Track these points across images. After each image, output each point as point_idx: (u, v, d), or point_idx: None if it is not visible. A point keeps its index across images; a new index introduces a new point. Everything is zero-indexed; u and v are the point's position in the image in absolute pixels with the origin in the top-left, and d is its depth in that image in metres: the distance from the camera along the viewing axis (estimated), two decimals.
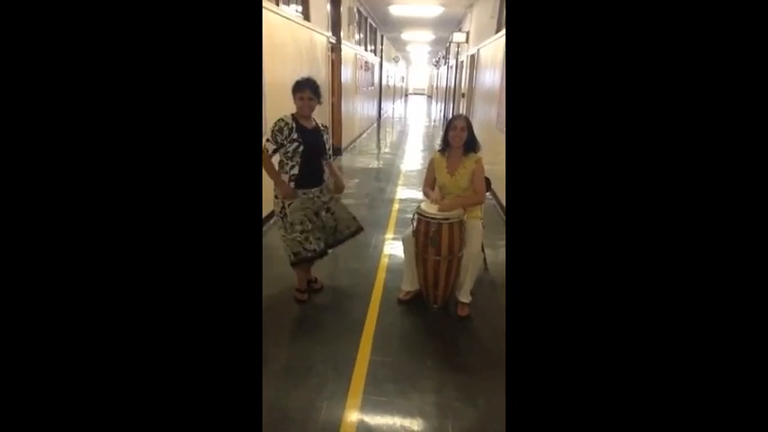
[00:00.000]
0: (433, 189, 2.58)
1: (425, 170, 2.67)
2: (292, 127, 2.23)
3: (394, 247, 3.35)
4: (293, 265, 2.42)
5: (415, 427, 1.68)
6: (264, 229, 3.71)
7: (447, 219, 2.31)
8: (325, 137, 2.37)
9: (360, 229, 2.60)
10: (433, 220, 2.32)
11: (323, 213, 2.44)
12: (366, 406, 1.78)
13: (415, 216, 2.41)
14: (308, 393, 1.83)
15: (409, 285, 2.61)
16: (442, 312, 2.50)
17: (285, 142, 2.24)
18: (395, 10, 8.56)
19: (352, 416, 1.73)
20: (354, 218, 2.59)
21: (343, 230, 2.55)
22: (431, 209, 2.38)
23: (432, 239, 2.33)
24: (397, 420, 1.71)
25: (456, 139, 2.40)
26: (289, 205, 2.31)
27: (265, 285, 2.70)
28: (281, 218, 2.35)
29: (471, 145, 2.44)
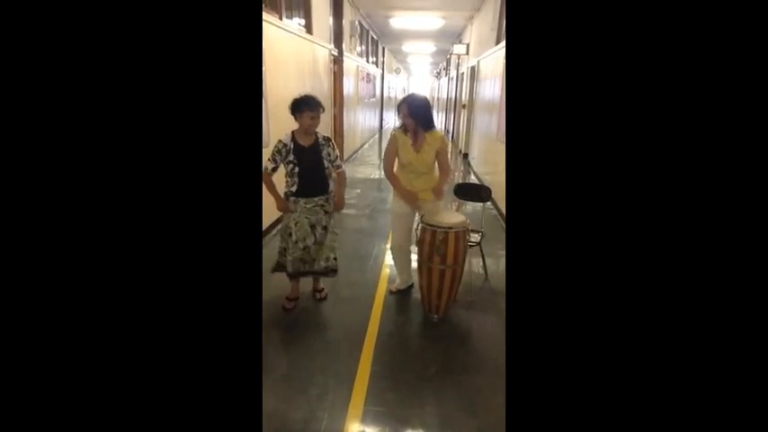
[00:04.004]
0: (392, 167, 2.56)
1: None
2: (290, 148, 2.32)
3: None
4: (272, 271, 2.55)
5: None
6: (266, 240, 3.72)
7: (452, 227, 2.32)
8: (326, 150, 2.39)
9: (334, 270, 2.58)
10: (439, 229, 2.33)
11: (319, 229, 2.44)
12: (367, 417, 1.77)
13: (420, 225, 2.42)
14: (309, 404, 1.82)
15: (403, 284, 2.83)
16: (443, 323, 2.49)
17: (284, 162, 2.35)
18: (395, 22, 8.67)
19: (353, 427, 1.71)
20: (335, 258, 2.57)
21: (328, 257, 2.53)
22: (436, 218, 2.39)
23: (437, 248, 2.33)
24: (398, 430, 1.70)
25: (405, 124, 2.45)
26: (292, 219, 2.41)
27: (266, 296, 2.71)
28: (281, 233, 2.48)
29: (430, 123, 2.47)
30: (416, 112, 2.39)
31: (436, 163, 2.52)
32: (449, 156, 2.53)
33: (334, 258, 2.55)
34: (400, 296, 2.79)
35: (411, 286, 2.85)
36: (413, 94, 2.51)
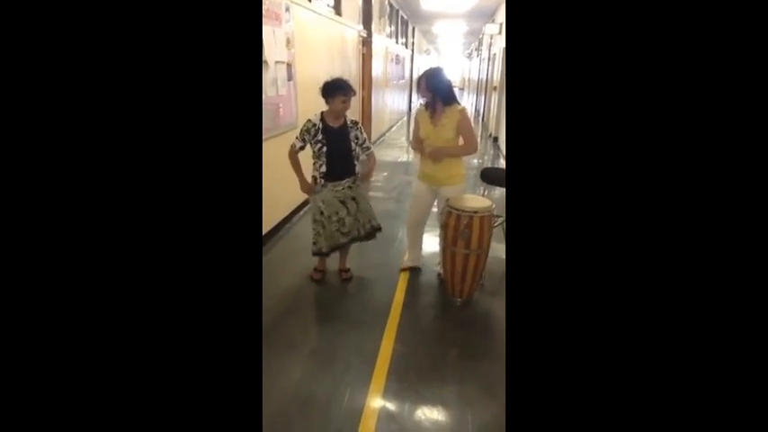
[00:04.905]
0: (420, 143, 2.55)
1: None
2: (319, 128, 2.37)
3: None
4: (314, 254, 2.63)
5: (436, 416, 1.72)
6: (295, 219, 3.82)
7: (476, 212, 2.32)
8: (353, 133, 2.44)
9: (377, 229, 2.69)
10: (464, 214, 2.33)
11: (348, 201, 2.52)
12: (388, 393, 1.83)
13: (445, 209, 2.43)
14: (333, 378, 1.90)
15: (411, 262, 2.87)
16: (466, 306, 2.52)
17: (312, 142, 2.39)
18: (426, 3, 8.47)
19: (375, 401, 1.78)
20: (374, 216, 2.67)
21: (365, 224, 2.62)
22: (461, 202, 2.39)
23: (462, 232, 2.34)
24: (418, 408, 1.76)
25: (422, 97, 2.45)
26: (318, 199, 2.48)
27: (293, 275, 2.80)
28: (313, 215, 2.55)
29: (450, 97, 2.41)
30: (434, 85, 2.38)
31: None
32: (472, 128, 2.44)
33: (374, 215, 2.66)
34: (423, 278, 2.83)
35: (419, 269, 2.89)
36: (431, 68, 2.50)
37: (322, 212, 2.48)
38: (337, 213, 2.49)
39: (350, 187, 2.49)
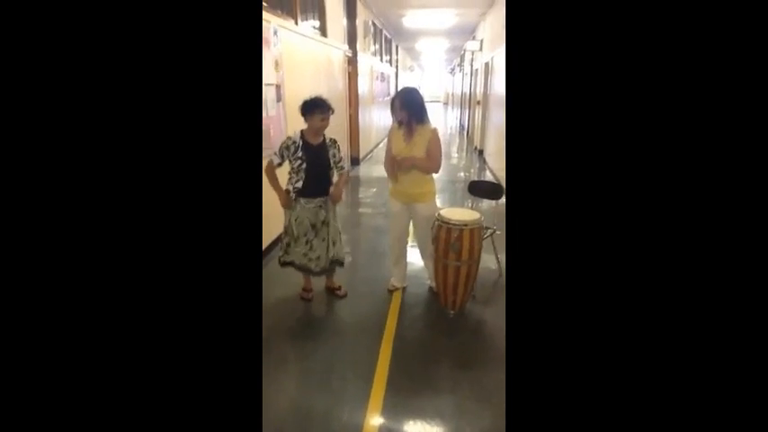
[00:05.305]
0: (395, 162, 2.58)
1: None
2: (299, 145, 2.40)
3: (410, 255, 3.41)
4: (281, 265, 2.63)
5: (434, 428, 1.74)
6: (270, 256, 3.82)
7: (466, 224, 2.39)
8: (332, 151, 2.48)
9: (337, 262, 2.63)
10: (454, 227, 2.39)
11: (318, 225, 2.51)
12: (386, 407, 1.84)
13: (436, 223, 2.49)
14: (332, 395, 1.91)
15: (398, 282, 2.86)
16: (459, 318, 2.55)
17: (291, 158, 2.41)
18: (408, 21, 8.70)
19: (374, 417, 1.79)
20: (339, 245, 2.61)
21: (329, 252, 2.58)
22: (451, 215, 2.45)
23: (453, 245, 2.40)
24: (416, 421, 1.77)
25: (399, 117, 2.50)
26: (292, 216, 2.49)
27: (286, 293, 2.81)
28: (285, 227, 2.55)
29: (424, 116, 2.49)
30: (409, 104, 2.46)
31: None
32: (440, 149, 2.53)
33: (338, 251, 2.61)
34: (415, 292, 2.86)
35: (404, 288, 2.87)
36: (405, 88, 2.59)
37: (294, 229, 2.49)
38: (305, 235, 2.49)
39: (320, 207, 2.48)
